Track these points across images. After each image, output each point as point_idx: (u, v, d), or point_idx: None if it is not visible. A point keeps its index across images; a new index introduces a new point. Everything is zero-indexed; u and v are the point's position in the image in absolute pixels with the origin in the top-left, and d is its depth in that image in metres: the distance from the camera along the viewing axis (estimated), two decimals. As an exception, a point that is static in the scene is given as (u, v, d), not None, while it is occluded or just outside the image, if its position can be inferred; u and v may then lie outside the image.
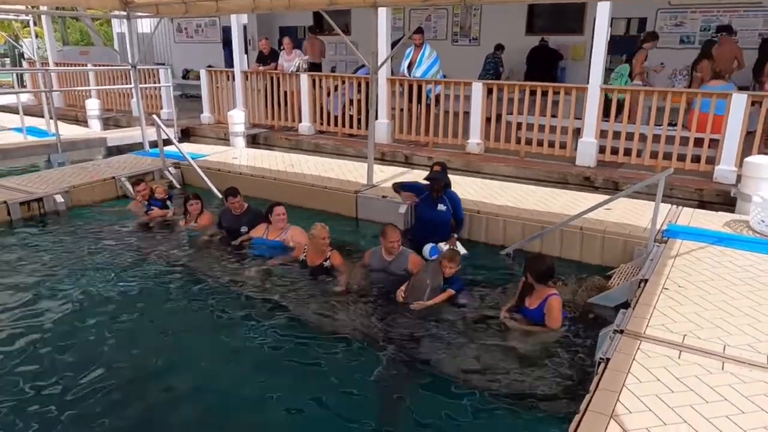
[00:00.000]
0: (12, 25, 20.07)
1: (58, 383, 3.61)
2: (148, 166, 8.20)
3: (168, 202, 6.68)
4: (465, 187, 6.89)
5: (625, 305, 4.10)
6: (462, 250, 5.46)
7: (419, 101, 9.19)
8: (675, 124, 7.44)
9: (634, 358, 3.24)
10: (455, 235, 5.59)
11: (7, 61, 24.95)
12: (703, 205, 6.67)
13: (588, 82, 7.78)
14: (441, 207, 5.53)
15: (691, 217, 5.84)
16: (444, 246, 5.42)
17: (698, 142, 7.29)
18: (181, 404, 3.47)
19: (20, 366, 3.81)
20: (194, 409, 3.42)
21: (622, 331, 3.54)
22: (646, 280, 4.31)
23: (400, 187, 6.07)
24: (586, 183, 7.48)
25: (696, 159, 7.33)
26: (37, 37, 14.48)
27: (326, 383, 3.64)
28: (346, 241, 5.88)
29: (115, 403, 3.42)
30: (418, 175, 7.49)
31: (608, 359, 3.24)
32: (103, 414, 3.31)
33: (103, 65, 13.50)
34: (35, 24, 14.39)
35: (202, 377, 3.71)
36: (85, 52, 17.14)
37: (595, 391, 2.95)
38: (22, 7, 9.70)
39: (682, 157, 7.35)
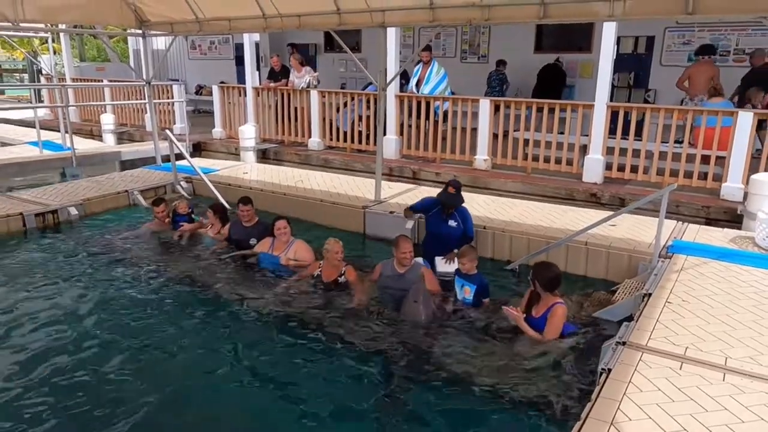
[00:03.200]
0: (31, 42, 20.60)
1: (63, 390, 3.69)
2: (160, 180, 8.36)
3: (193, 216, 6.69)
4: (472, 203, 6.92)
5: (630, 319, 4.15)
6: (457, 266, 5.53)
7: (427, 118, 9.32)
8: (681, 141, 7.50)
9: (635, 369, 3.29)
10: (456, 250, 5.57)
11: (26, 76, 25.50)
12: (710, 222, 6.70)
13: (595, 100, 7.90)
14: (452, 223, 5.51)
15: (697, 233, 5.88)
16: (439, 259, 5.43)
17: (705, 159, 7.34)
18: (192, 418, 3.52)
19: (33, 372, 3.90)
20: (207, 424, 3.47)
21: (624, 343, 3.59)
22: (650, 294, 4.35)
23: (412, 210, 6.09)
24: (592, 199, 7.54)
25: (703, 176, 7.38)
26: (55, 53, 14.85)
27: (340, 395, 3.70)
28: (355, 256, 5.94)
29: (122, 414, 3.46)
30: (425, 192, 7.61)
31: (610, 369, 3.29)
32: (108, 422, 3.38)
33: (119, 81, 13.82)
34: (54, 41, 14.79)
35: (215, 391, 3.76)
36: (102, 68, 17.53)
37: (596, 400, 3.00)
38: (43, 25, 10.01)
39: (689, 174, 7.39)
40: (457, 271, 4.90)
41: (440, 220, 5.55)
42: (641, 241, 5.60)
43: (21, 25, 7.28)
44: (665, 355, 3.46)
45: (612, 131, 7.99)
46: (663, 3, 4.61)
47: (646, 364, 3.35)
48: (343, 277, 5.10)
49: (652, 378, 3.19)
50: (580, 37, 11.98)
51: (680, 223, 6.21)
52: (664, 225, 4.99)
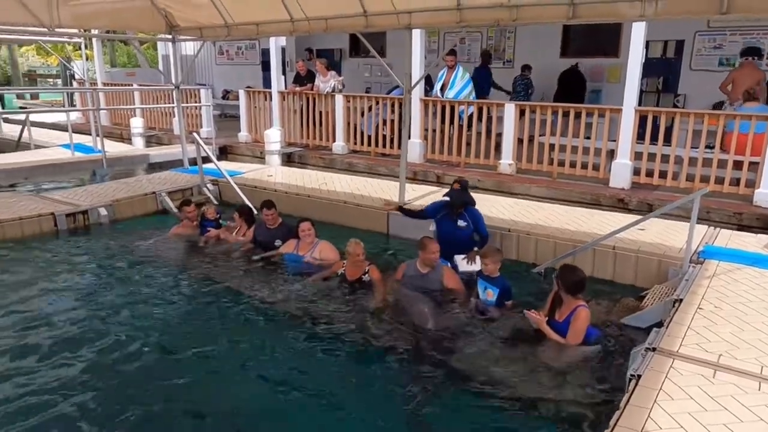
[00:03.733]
0: (65, 48, 21.16)
1: (88, 385, 3.75)
2: (187, 182, 8.48)
3: (220, 221, 6.75)
4: (496, 206, 6.92)
5: (659, 325, 4.05)
6: (478, 266, 5.49)
7: (452, 122, 9.29)
8: (712, 147, 7.33)
9: (666, 376, 3.20)
10: (476, 249, 5.56)
11: (59, 81, 26.22)
12: (741, 228, 6.51)
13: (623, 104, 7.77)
14: (461, 223, 5.53)
15: (729, 238, 5.72)
16: (460, 258, 5.42)
17: (737, 165, 7.16)
18: (217, 419, 3.53)
19: (59, 366, 3.99)
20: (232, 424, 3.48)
21: (654, 349, 3.50)
22: (681, 300, 4.24)
23: (403, 213, 6.12)
24: (619, 205, 7.40)
25: (735, 182, 7.19)
26: (87, 59, 15.23)
27: (361, 397, 3.71)
28: (379, 256, 5.94)
29: (147, 415, 3.50)
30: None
31: (639, 376, 3.20)
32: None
33: (148, 85, 14.08)
34: (86, 47, 15.16)
35: (240, 391, 3.78)
36: (132, 74, 17.92)
37: (625, 407, 2.92)
38: (76, 31, 10.27)
39: (720, 180, 7.21)
40: (480, 273, 4.85)
41: (449, 221, 5.56)
42: (671, 246, 5.47)
43: (56, 30, 7.47)
44: (697, 362, 3.36)
45: (640, 136, 7.84)
46: (696, 2, 4.51)
47: (677, 371, 3.26)
48: (367, 275, 5.12)
49: (683, 386, 3.10)
50: (608, 42, 11.82)
51: (711, 228, 6.06)
52: (694, 230, 4.87)
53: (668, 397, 2.98)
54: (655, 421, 2.78)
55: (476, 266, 5.41)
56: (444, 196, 5.66)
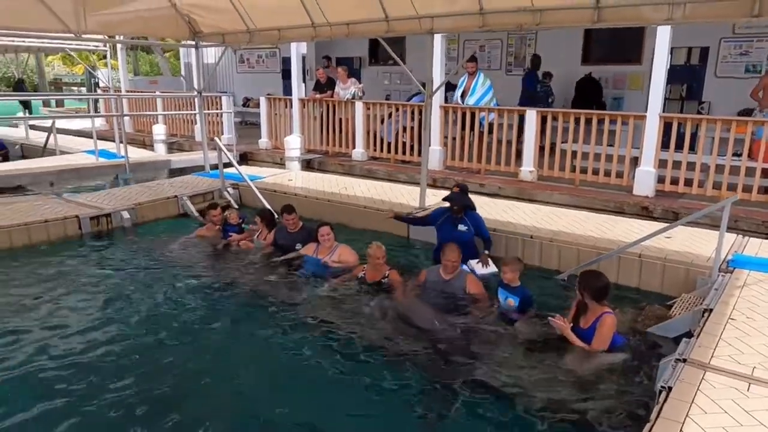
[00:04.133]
0: (90, 57, 21.60)
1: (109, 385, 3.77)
2: (208, 186, 8.54)
3: (243, 226, 6.80)
4: (518, 212, 6.84)
5: (687, 335, 3.93)
6: (493, 268, 5.45)
7: (472, 129, 9.23)
8: (739, 154, 7.16)
9: (698, 389, 3.09)
10: (486, 252, 5.58)
11: (83, 89, 26.74)
12: (771, 237, 6.35)
13: (646, 111, 7.64)
14: (461, 227, 5.56)
15: (759, 247, 5.57)
16: (474, 263, 5.45)
17: (765, 173, 6.98)
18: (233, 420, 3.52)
19: (83, 365, 4.01)
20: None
21: (685, 360, 3.39)
22: (711, 310, 4.12)
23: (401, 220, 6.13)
24: (643, 213, 7.27)
25: (764, 190, 7.02)
26: (111, 68, 15.52)
27: (379, 401, 3.65)
28: (397, 261, 5.90)
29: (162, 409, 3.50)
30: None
31: (670, 388, 3.10)
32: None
33: (170, 92, 14.28)
34: (111, 57, 15.45)
35: (257, 390, 3.78)
36: (154, 82, 18.23)
37: (656, 420, 2.82)
38: (102, 37, 10.47)
39: (747, 188, 7.04)
40: (501, 282, 4.77)
41: (450, 226, 5.59)
42: (698, 254, 5.34)
43: (82, 37, 7.61)
44: (731, 374, 3.24)
45: (664, 144, 7.71)
46: (726, 6, 4.42)
47: (709, 383, 3.15)
48: (386, 279, 5.12)
49: (716, 399, 3.00)
50: (630, 49, 11.68)
51: (740, 236, 5.91)
52: (724, 238, 4.75)
53: (701, 411, 2.88)
54: (688, 434, 2.68)
55: (492, 268, 5.43)
56: (443, 200, 5.67)
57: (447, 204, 5.68)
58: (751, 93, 8.58)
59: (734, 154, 7.21)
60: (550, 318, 4.16)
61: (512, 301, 4.65)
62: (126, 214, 7.20)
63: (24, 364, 3.98)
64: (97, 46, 12.90)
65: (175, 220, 7.74)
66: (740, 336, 3.72)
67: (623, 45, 11.68)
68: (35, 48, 15.59)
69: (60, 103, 24.05)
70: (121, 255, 6.33)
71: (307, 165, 10.75)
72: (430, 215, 5.94)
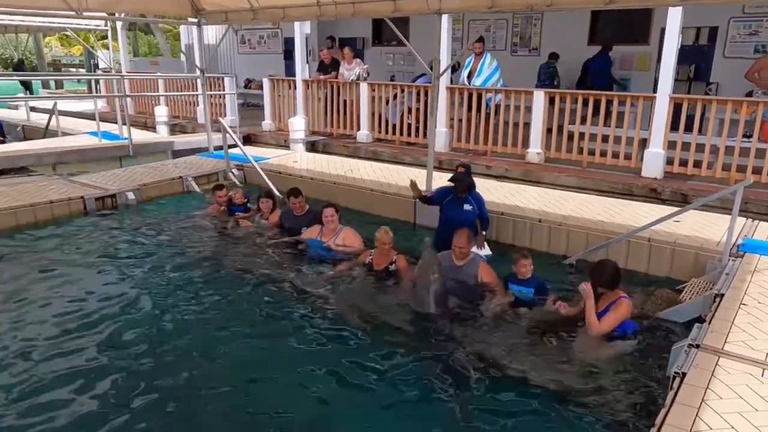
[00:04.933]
0: (89, 38, 21.35)
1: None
2: (213, 167, 8.49)
3: (248, 205, 6.81)
4: (525, 196, 6.78)
5: (697, 320, 3.92)
6: (487, 251, 5.47)
7: (478, 110, 9.13)
8: (750, 136, 7.08)
9: (713, 374, 3.08)
10: (484, 233, 5.58)
11: (82, 71, 26.51)
12: (782, 221, 6.30)
13: (655, 91, 7.54)
14: (467, 207, 5.55)
15: (770, 231, 5.53)
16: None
17: (776, 155, 6.91)
18: (235, 403, 3.52)
19: (90, 342, 4.05)
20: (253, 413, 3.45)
21: (698, 346, 3.37)
22: (722, 295, 4.10)
23: (421, 200, 6.05)
24: (652, 195, 7.21)
25: (774, 172, 6.95)
26: (107, 49, 15.34)
27: (389, 389, 3.63)
28: (404, 244, 5.86)
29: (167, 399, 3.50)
30: (476, 183, 7.44)
31: (684, 374, 3.09)
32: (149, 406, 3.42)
33: (173, 74, 14.12)
34: (111, 37, 15.25)
35: (262, 378, 3.77)
36: (155, 63, 18.02)
37: (671, 406, 2.82)
38: (103, 15, 10.33)
39: (757, 170, 6.98)
40: (511, 278, 4.71)
41: (456, 205, 5.57)
42: (708, 238, 5.30)
43: (83, 15, 7.49)
44: (744, 360, 3.23)
45: (673, 125, 7.62)
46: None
47: (723, 369, 3.14)
48: (393, 265, 5.05)
49: (731, 384, 2.99)
50: (637, 29, 11.50)
51: (750, 220, 5.86)
52: (735, 223, 4.70)
53: (716, 396, 2.87)
54: (704, 421, 2.67)
55: (487, 251, 5.49)
56: (449, 180, 5.67)
57: (451, 184, 5.64)
58: (747, 74, 8.43)
59: (744, 136, 7.12)
60: (548, 306, 4.12)
61: (527, 293, 4.62)
62: (131, 195, 7.17)
63: (23, 346, 4.02)
64: (98, 25, 12.70)
65: (181, 195, 7.74)
66: (753, 321, 3.70)
67: (631, 25, 11.49)
68: (35, 28, 15.39)
69: (59, 85, 23.87)
70: (124, 235, 6.31)
71: (312, 147, 10.66)
72: (435, 194, 5.90)
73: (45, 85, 23.19)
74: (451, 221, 5.53)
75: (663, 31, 7.87)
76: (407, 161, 9.32)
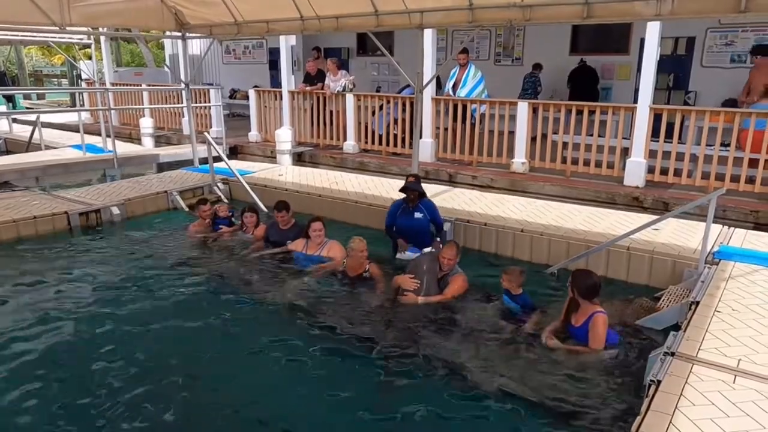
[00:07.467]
0: (72, 48, 21.25)
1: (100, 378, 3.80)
2: (198, 181, 8.49)
3: (232, 219, 6.81)
4: (509, 206, 6.87)
5: (675, 328, 4.01)
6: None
7: (464, 121, 9.24)
8: (728, 144, 7.25)
9: (686, 381, 3.16)
10: (438, 239, 5.83)
11: (64, 81, 26.31)
12: (759, 227, 6.45)
13: (635, 102, 7.70)
14: (417, 215, 5.82)
15: (744, 238, 5.66)
16: (428, 251, 5.66)
17: (753, 163, 7.08)
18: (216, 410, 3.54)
19: (71, 359, 4.04)
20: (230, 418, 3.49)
21: (673, 354, 3.45)
22: (698, 302, 4.19)
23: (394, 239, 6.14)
24: (634, 203, 7.35)
25: (751, 180, 7.12)
26: (90, 59, 15.27)
27: (357, 392, 3.69)
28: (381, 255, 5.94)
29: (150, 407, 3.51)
30: (460, 193, 7.56)
31: (659, 381, 3.16)
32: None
33: (158, 85, 14.10)
34: (93, 48, 15.21)
35: (239, 387, 3.80)
36: (139, 74, 17.95)
37: (646, 413, 2.88)
38: (86, 29, 10.31)
39: (735, 178, 7.14)
40: (505, 291, 4.78)
41: (407, 214, 5.84)
42: (685, 246, 5.42)
43: (67, 28, 7.49)
44: (717, 367, 3.31)
45: (654, 134, 7.78)
46: (713, 2, 4.45)
47: (697, 376, 3.22)
48: (367, 272, 5.19)
49: (704, 391, 3.06)
50: (618, 39, 11.76)
51: (726, 227, 5.99)
52: (710, 230, 4.82)
53: (689, 403, 2.95)
54: (677, 428, 2.74)
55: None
56: (400, 190, 5.93)
57: (403, 195, 5.87)
58: (740, 96, 8.43)
59: (722, 145, 7.29)
60: (545, 341, 4.14)
61: (515, 308, 4.68)
62: (116, 210, 7.15)
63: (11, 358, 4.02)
64: (81, 39, 12.66)
65: (166, 211, 7.73)
66: (726, 328, 3.79)
67: (611, 35, 11.74)
68: (17, 40, 15.30)
69: (41, 96, 23.67)
70: (111, 251, 6.29)
71: (299, 158, 10.71)
72: (389, 212, 6.06)
73: (26, 96, 23.00)
74: (403, 229, 5.88)
75: (642, 41, 8.06)
76: (394, 171, 9.40)
